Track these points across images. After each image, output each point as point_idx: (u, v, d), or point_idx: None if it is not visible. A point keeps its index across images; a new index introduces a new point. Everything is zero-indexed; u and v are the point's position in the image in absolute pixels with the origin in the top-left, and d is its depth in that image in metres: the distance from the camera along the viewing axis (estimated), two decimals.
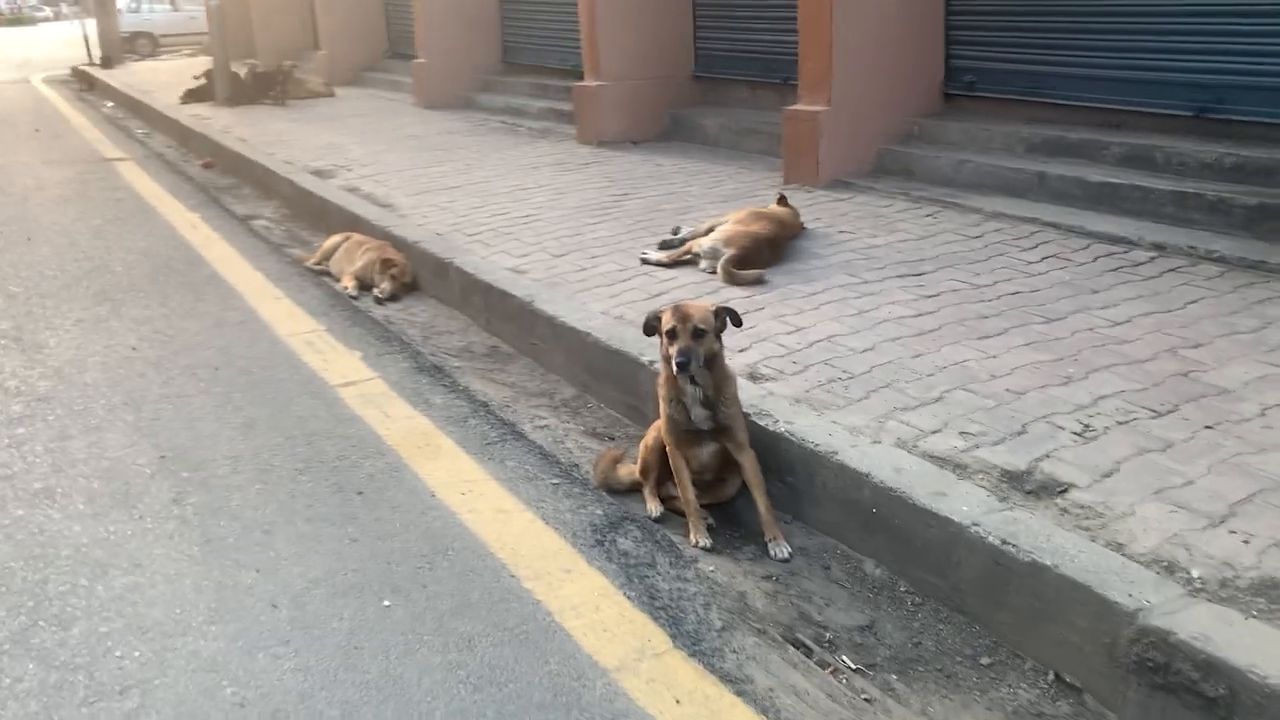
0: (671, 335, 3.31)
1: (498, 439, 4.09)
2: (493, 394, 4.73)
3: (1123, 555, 2.75)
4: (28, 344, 5.11)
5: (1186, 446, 3.30)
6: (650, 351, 4.37)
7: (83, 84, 21.72)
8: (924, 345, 4.29)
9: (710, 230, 5.77)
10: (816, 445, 3.49)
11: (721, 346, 3.44)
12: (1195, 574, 2.66)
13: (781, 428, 3.63)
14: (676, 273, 5.54)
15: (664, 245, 5.96)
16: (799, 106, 7.41)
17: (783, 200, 6.25)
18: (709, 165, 8.53)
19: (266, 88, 14.33)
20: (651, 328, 3.44)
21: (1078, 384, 3.82)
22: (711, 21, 9.81)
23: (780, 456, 3.62)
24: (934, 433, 3.52)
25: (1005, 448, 3.37)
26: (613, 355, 4.56)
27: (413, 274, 6.36)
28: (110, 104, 18.10)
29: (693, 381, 3.36)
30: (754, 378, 4.11)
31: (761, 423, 3.70)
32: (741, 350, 4.39)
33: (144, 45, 31.08)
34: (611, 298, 5.26)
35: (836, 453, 3.42)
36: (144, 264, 6.57)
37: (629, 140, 9.76)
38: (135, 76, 20.24)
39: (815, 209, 6.73)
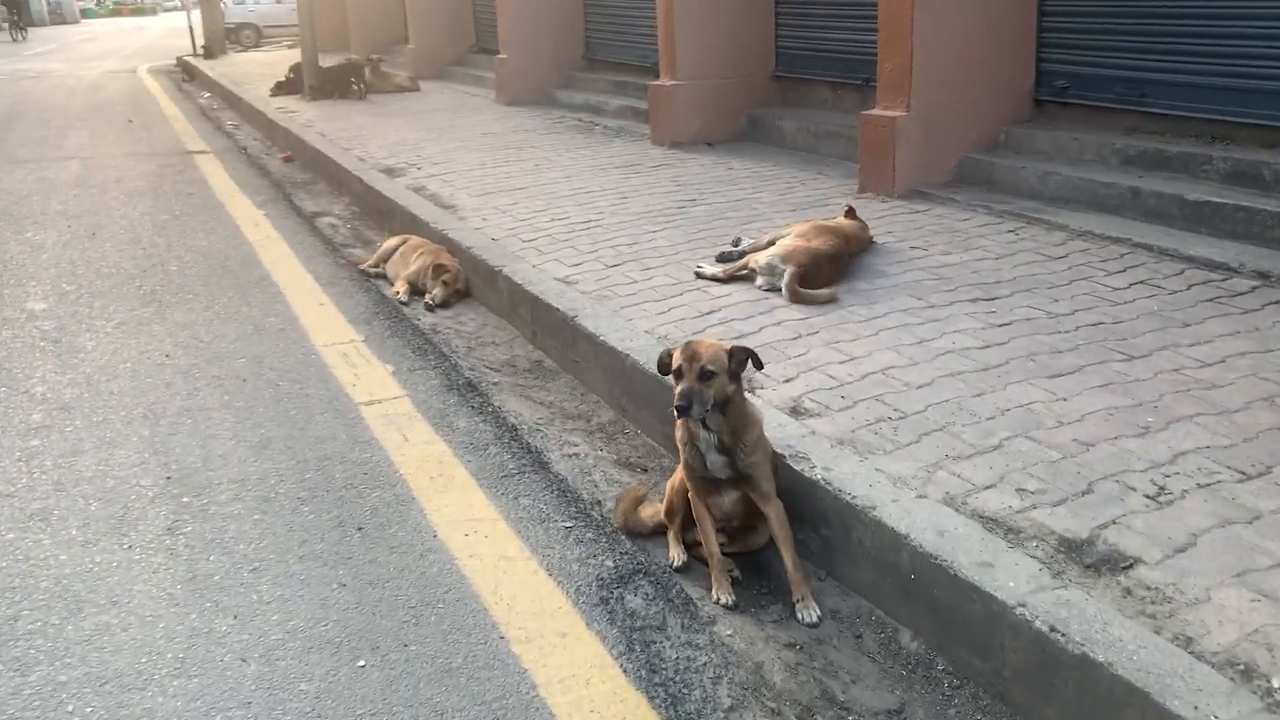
0: (678, 375, 3.01)
1: (516, 470, 3.85)
2: (526, 414, 4.50)
3: (1191, 654, 2.38)
4: (65, 347, 5.06)
5: (1278, 520, 2.89)
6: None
7: (184, 74, 22.25)
8: (987, 382, 3.92)
9: (771, 244, 5.45)
10: (854, 497, 3.17)
11: (739, 387, 3.13)
12: (1277, 684, 2.28)
13: (819, 474, 3.32)
14: (731, 289, 5.23)
15: (722, 258, 5.66)
16: (876, 111, 7.01)
17: (850, 213, 5.90)
18: (783, 170, 8.18)
19: (348, 82, 14.35)
20: (664, 366, 3.14)
21: (1156, 435, 3.41)
22: (794, 19, 9.43)
23: (815, 506, 3.31)
24: (987, 488, 3.17)
25: (1066, 510, 3.01)
26: (651, 380, 4.27)
27: (465, 280, 6.18)
28: (207, 95, 18.45)
29: (705, 426, 3.06)
30: (797, 413, 3.80)
31: (798, 467, 3.39)
32: (788, 380, 4.08)
33: (248, 36, 31.77)
34: (660, 314, 4.98)
35: (875, 508, 3.10)
36: (200, 263, 6.51)
37: (704, 142, 9.45)
38: (233, 67, 20.60)
39: (888, 222, 6.35)
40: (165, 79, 21.34)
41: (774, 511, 3.13)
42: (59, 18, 59.60)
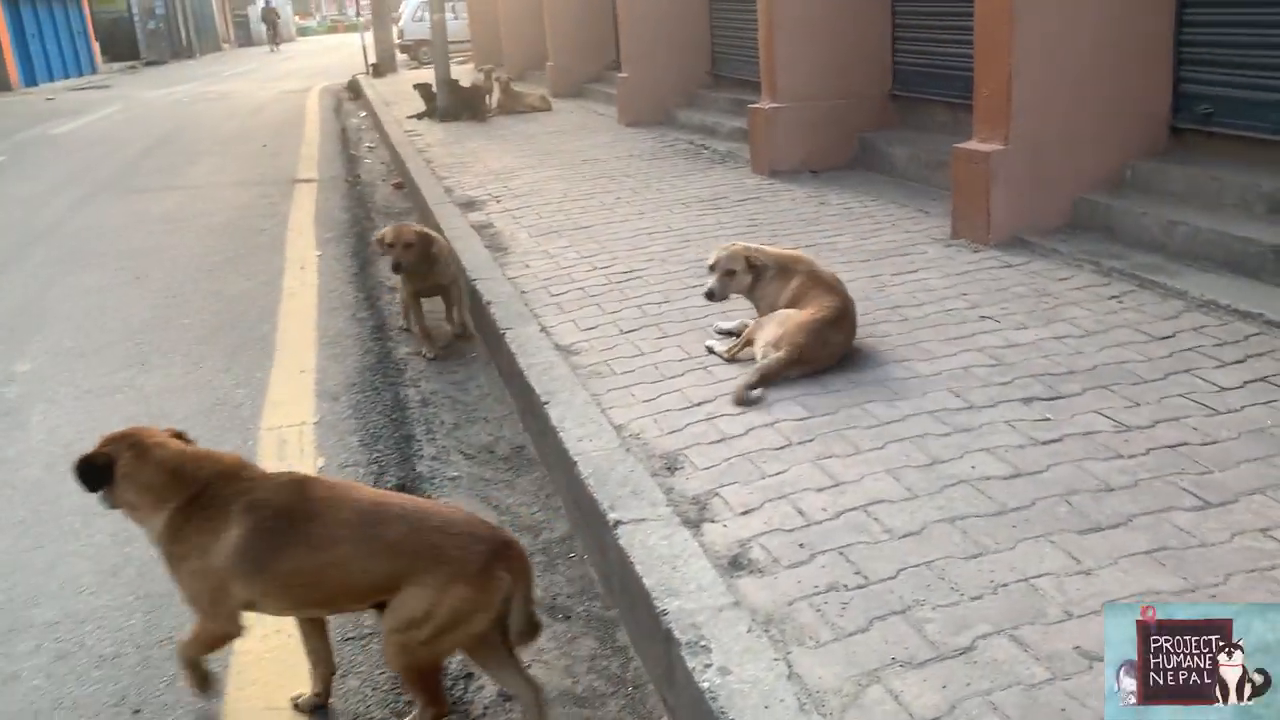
0: None
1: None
2: None
3: None
4: (10, 422, 4.71)
5: None
6: (623, 507, 3.30)
7: (351, 94, 22.74)
8: (994, 535, 2.95)
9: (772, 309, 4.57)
10: None
11: None
12: None
13: (708, 679, 2.48)
14: (738, 370, 4.37)
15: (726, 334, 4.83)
16: (969, 144, 5.95)
17: None
18: (881, 206, 7.17)
19: (478, 102, 14.06)
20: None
21: None
22: (913, 32, 8.37)
23: None
24: None
25: None
26: (589, 500, 3.50)
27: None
28: (363, 114, 18.67)
29: None
30: (734, 566, 2.95)
31: (691, 662, 2.54)
32: (746, 512, 3.24)
33: (426, 53, 32.45)
34: (645, 403, 4.19)
35: None
36: (216, 316, 6.14)
37: (808, 169, 8.51)
38: (395, 86, 20.82)
39: (969, 280, 5.31)
40: (330, 98, 21.83)
41: None
42: (279, 36, 63.45)
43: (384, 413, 4.76)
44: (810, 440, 3.67)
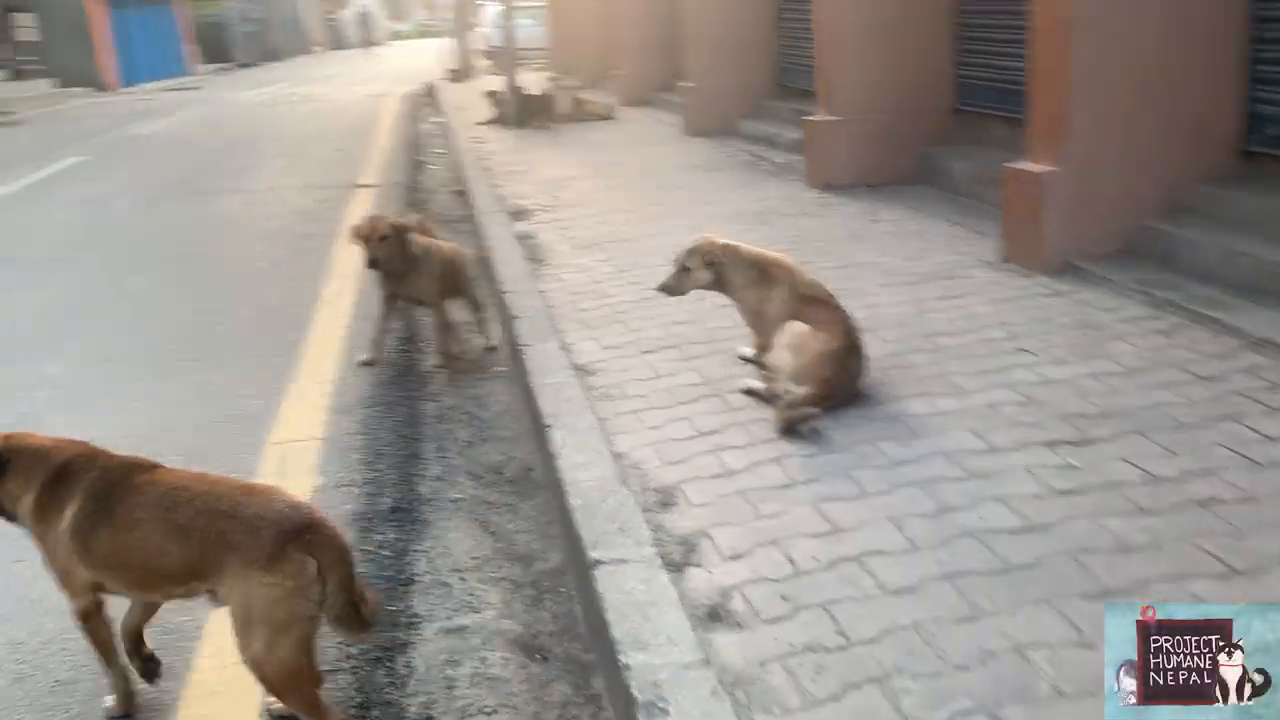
0: None
1: (362, 654, 3.02)
2: (458, 552, 3.67)
3: None
4: (31, 427, 4.69)
5: None
6: (606, 545, 3.14)
7: (429, 98, 22.94)
8: (993, 596, 2.73)
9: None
10: None
11: None
12: None
13: None
14: (748, 401, 4.17)
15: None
16: (1022, 164, 5.66)
17: None
18: (935, 224, 6.89)
19: (538, 111, 14.01)
20: None
21: None
22: (978, 44, 8.05)
23: None
24: None
25: None
26: (573, 536, 3.35)
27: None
28: (436, 119, 18.79)
29: None
30: (712, 618, 2.78)
31: None
32: (735, 557, 3.07)
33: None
34: (652, 430, 4.04)
35: None
36: (249, 324, 6.12)
37: (865, 184, 8.24)
38: (471, 92, 20.92)
39: (1013, 307, 5.04)
40: (409, 103, 22.01)
41: None
42: (371, 39, 64.68)
43: (395, 429, 4.66)
44: (815, 480, 3.47)
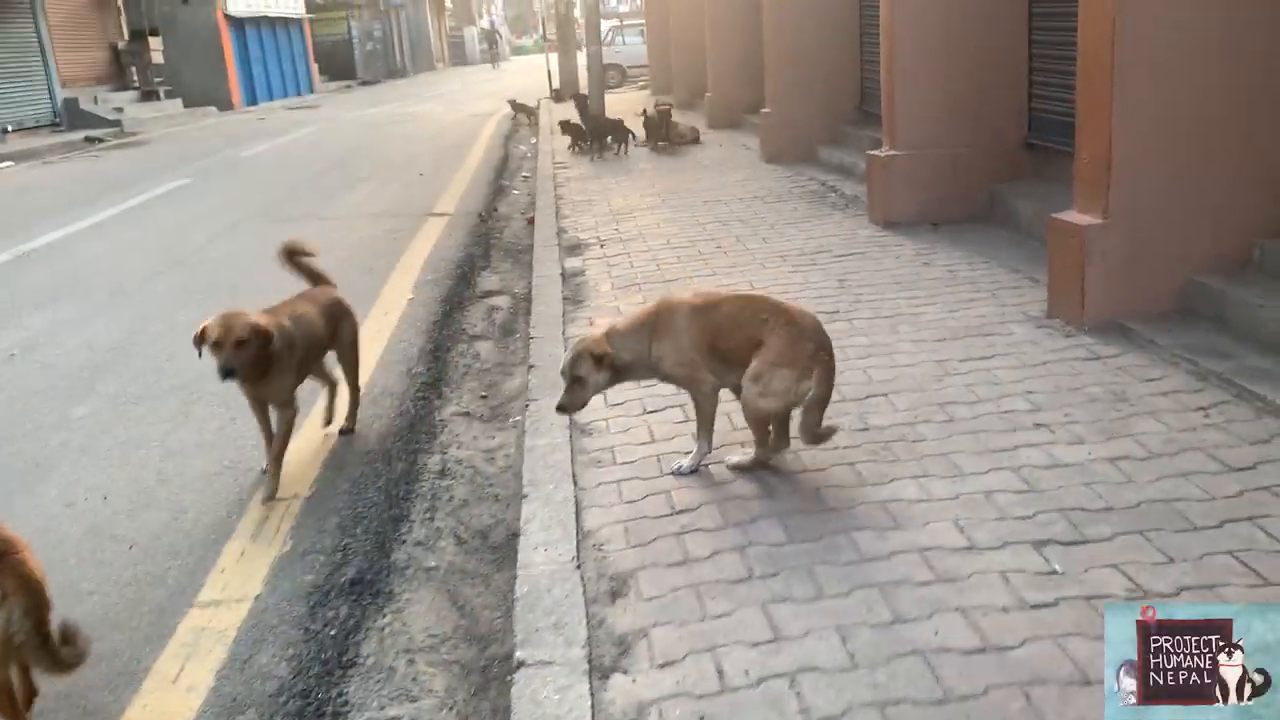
0: None
1: None
2: (414, 630, 3.54)
3: None
4: (41, 472, 4.79)
5: None
6: (534, 643, 2.99)
7: (529, 118, 23.14)
8: None
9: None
10: None
11: None
12: None
13: None
14: (735, 475, 3.96)
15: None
16: (1068, 214, 5.29)
17: None
18: (988, 270, 6.53)
19: (621, 134, 13.91)
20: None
21: None
22: (1052, 76, 7.61)
23: None
24: None
25: None
26: (541, 614, 3.20)
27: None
28: (533, 141, 18.92)
29: None
30: None
31: None
32: (665, 664, 2.87)
33: (613, 77, 32.76)
34: (628, 504, 3.89)
35: None
36: None
37: (929, 222, 7.89)
38: (571, 113, 21.01)
39: (1046, 370, 4.71)
40: (512, 123, 22.23)
41: None
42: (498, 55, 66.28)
43: (386, 487, 4.57)
44: (773, 574, 3.24)
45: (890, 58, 7.83)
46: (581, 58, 23.58)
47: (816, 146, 11.62)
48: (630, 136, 13.95)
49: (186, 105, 29.92)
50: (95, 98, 26.67)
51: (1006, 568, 3.14)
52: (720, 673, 2.80)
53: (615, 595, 3.28)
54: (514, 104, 20.17)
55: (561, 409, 3.92)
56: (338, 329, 5.03)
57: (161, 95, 29.52)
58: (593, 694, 2.77)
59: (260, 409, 4.55)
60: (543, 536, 3.67)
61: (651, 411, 4.74)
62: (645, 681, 2.81)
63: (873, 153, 8.19)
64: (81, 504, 4.46)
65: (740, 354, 3.84)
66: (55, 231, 11.12)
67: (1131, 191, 4.98)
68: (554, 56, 27.40)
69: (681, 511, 3.75)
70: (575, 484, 4.07)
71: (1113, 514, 3.40)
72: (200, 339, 4.18)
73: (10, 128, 22.95)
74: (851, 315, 5.84)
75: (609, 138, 13.88)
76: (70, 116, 24.93)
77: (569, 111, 18.22)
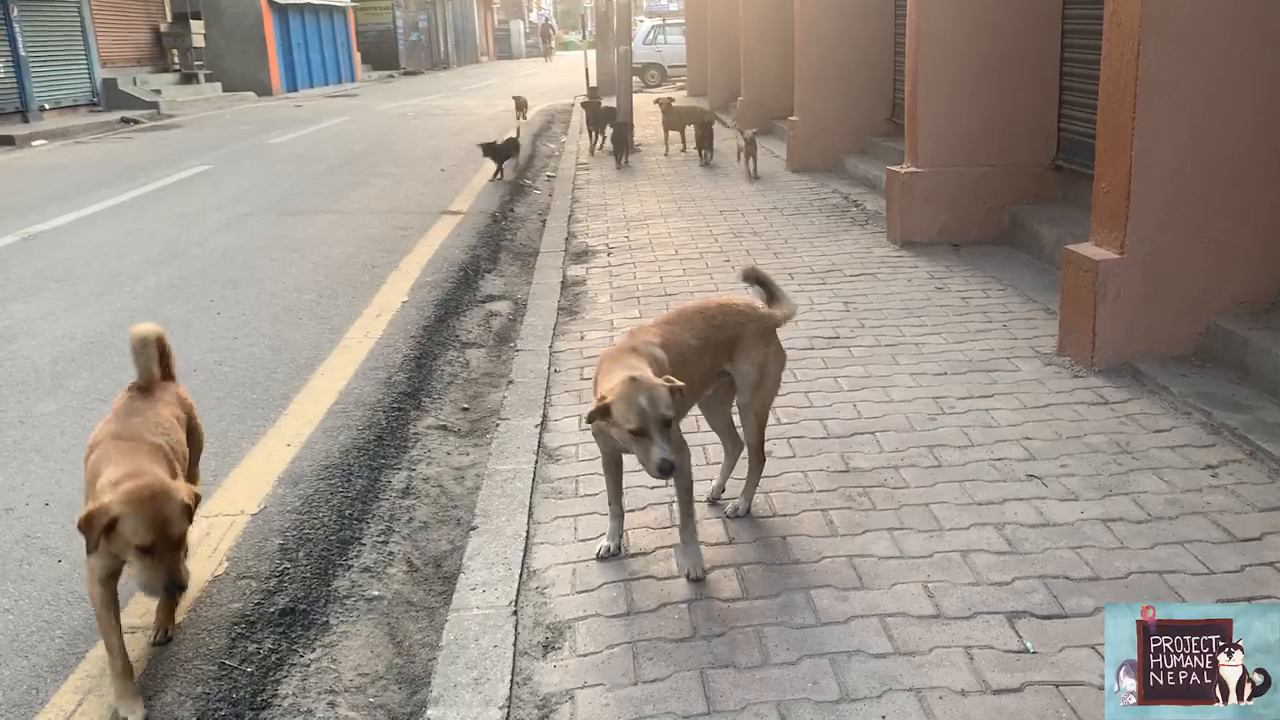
0: None
1: None
2: (342, 670, 3.31)
3: None
4: None
5: None
6: (448, 701, 2.74)
7: (565, 115, 22.94)
8: None
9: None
10: None
11: None
12: None
13: None
14: (702, 513, 3.69)
15: None
16: (1082, 247, 4.97)
17: None
18: (1003, 298, 6.21)
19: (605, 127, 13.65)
20: None
21: None
22: (1083, 96, 7.26)
23: None
24: None
25: None
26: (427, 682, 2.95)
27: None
28: (563, 140, 18.71)
29: None
30: None
31: None
32: None
33: (652, 76, 32.52)
34: (581, 543, 3.64)
35: None
36: (255, 368, 5.89)
37: (949, 242, 7.58)
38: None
39: (1048, 414, 4.41)
40: (545, 120, 22.06)
41: None
42: (537, 50, 66.58)
43: (341, 506, 4.34)
44: (719, 635, 2.97)
45: (915, 71, 7.52)
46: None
47: (844, 157, 11.31)
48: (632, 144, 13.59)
49: (226, 89, 30.03)
50: (135, 79, 26.79)
51: (973, 642, 2.85)
52: None
53: (548, 649, 3.02)
54: (516, 99, 19.80)
55: (670, 467, 2.95)
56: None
57: (201, 79, 29.64)
58: None
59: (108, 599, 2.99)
60: (484, 575, 3.42)
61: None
62: None
63: (892, 169, 7.88)
64: (21, 509, 4.27)
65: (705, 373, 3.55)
66: (66, 215, 11.03)
67: (1151, 226, 4.65)
68: (593, 54, 27.13)
69: (636, 555, 3.49)
70: (530, 517, 3.82)
71: (1098, 584, 3.10)
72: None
73: (47, 105, 23.06)
74: (851, 342, 5.55)
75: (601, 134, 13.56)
76: (109, 97, 25.04)
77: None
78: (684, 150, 14.06)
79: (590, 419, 3.10)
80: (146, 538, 2.75)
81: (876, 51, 11.30)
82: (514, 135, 14.03)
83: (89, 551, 2.82)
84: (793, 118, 11.87)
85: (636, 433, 2.95)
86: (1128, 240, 4.66)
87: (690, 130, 13.80)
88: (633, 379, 2.99)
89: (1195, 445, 4.01)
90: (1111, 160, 4.73)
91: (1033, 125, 7.53)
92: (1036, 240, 7.11)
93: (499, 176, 12.98)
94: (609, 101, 16.12)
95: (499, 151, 12.98)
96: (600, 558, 3.46)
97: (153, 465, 2.97)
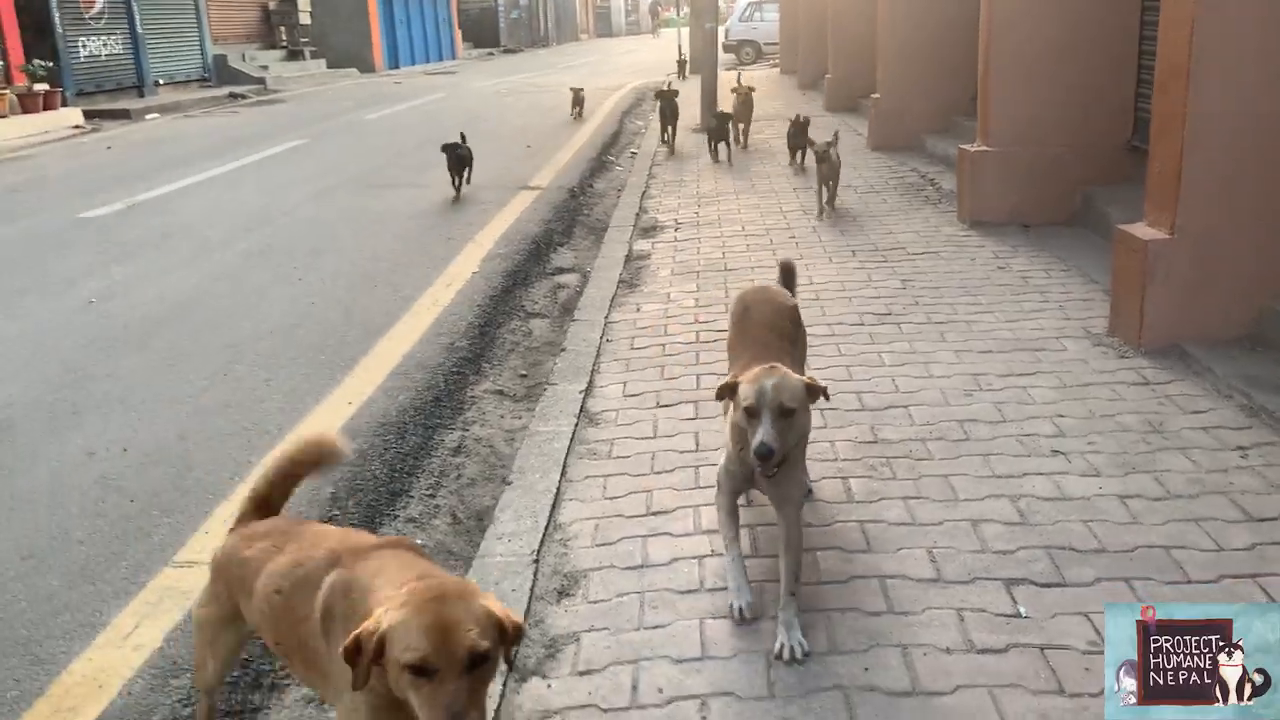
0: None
1: None
2: None
3: None
4: (54, 427, 4.97)
5: None
6: None
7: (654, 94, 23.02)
8: None
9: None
10: None
11: None
12: None
13: None
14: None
15: None
16: (1134, 227, 4.92)
17: None
18: (1064, 278, 6.17)
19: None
20: None
21: None
22: None
23: None
24: None
25: None
26: None
27: None
28: (652, 116, 18.80)
29: None
30: None
31: None
32: (585, 672, 2.78)
33: (748, 53, 32.37)
34: (608, 500, 3.78)
35: None
36: (327, 332, 6.18)
37: (1020, 222, 7.50)
38: (696, 88, 20.79)
39: (1086, 393, 4.41)
40: (637, 98, 22.17)
41: None
42: (635, 28, 67.18)
43: (393, 461, 4.58)
44: (723, 589, 3.10)
45: (988, 50, 7.45)
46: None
47: (924, 136, 11.20)
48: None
49: (330, 66, 30.82)
50: (244, 55, 27.70)
51: (967, 605, 2.93)
52: (634, 688, 2.70)
53: (562, 594, 3.20)
54: (574, 91, 18.66)
55: (767, 452, 2.77)
56: None
57: (307, 55, 30.48)
58: (503, 697, 2.70)
59: None
60: (512, 526, 3.61)
61: (665, 405, 4.63)
62: (559, 689, 2.73)
63: (964, 147, 7.83)
64: (101, 454, 4.61)
65: None
66: (168, 185, 11.60)
67: (1203, 207, 4.60)
68: (685, 31, 27.15)
69: (658, 513, 3.64)
70: (563, 475, 3.99)
71: (1103, 557, 3.14)
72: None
73: (161, 81, 24.03)
74: (902, 319, 5.59)
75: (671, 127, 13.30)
76: (219, 73, 25.97)
77: (690, 87, 18.03)
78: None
79: (719, 395, 3.09)
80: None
81: (960, 29, 11.08)
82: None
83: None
84: (874, 95, 11.78)
85: (750, 411, 2.83)
86: (1178, 220, 4.62)
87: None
88: (771, 367, 2.92)
89: (1230, 427, 3.98)
90: (1164, 139, 4.68)
91: (1109, 106, 7.40)
92: (1105, 221, 6.99)
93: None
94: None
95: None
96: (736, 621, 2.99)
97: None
